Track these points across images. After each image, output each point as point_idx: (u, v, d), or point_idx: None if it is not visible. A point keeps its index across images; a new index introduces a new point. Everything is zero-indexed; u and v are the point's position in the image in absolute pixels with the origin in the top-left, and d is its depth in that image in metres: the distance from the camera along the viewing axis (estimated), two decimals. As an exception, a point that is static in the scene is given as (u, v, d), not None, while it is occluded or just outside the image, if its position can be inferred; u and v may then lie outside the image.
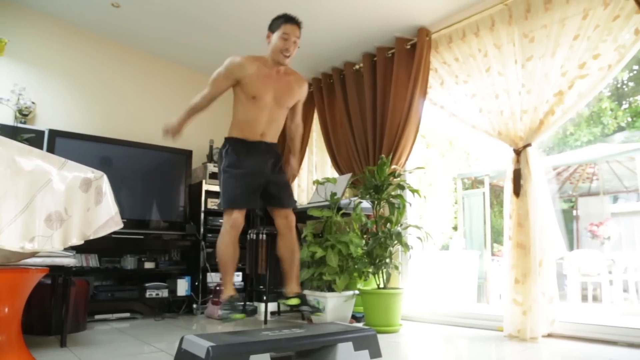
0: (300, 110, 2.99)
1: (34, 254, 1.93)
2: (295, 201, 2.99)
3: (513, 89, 3.18)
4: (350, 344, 2.30)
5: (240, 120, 2.71)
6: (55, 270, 2.66)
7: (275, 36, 2.64)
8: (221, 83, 2.70)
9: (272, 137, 2.78)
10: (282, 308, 4.18)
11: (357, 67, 4.34)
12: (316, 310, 2.70)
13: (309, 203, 4.20)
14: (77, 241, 1.63)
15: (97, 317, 3.79)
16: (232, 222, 2.58)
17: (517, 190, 3.07)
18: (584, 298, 5.88)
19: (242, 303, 2.66)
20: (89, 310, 3.53)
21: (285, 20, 2.65)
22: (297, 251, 2.80)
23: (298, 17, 2.70)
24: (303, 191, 4.90)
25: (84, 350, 2.60)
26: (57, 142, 3.79)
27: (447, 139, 10.07)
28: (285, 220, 2.76)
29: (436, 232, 8.72)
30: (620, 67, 2.78)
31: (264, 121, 2.70)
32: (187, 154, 4.56)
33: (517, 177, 3.08)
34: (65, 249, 2.64)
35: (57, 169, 1.61)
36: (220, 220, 4.35)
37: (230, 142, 2.72)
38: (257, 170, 2.66)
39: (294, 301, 2.67)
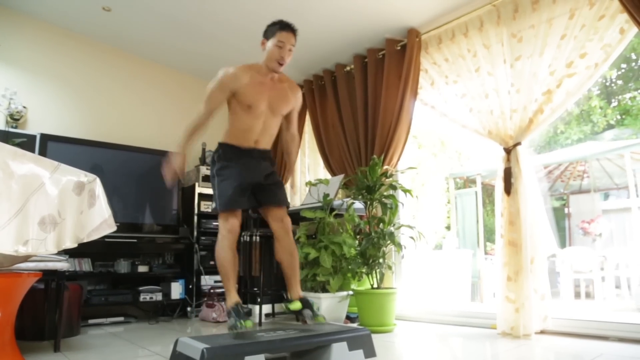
0: (295, 119, 2.93)
1: (27, 258, 1.93)
2: (289, 202, 2.96)
3: (502, 88, 3.21)
4: (344, 344, 2.31)
5: (235, 128, 2.68)
6: (48, 275, 2.65)
7: (270, 44, 2.59)
8: (217, 97, 2.66)
9: (266, 144, 2.75)
10: (277, 310, 4.19)
11: (348, 68, 4.36)
12: (318, 315, 2.52)
13: (302, 205, 4.21)
14: (70, 244, 1.63)
15: (90, 321, 3.78)
16: (229, 227, 2.52)
17: (508, 188, 3.11)
18: (577, 295, 5.93)
19: (245, 307, 2.53)
20: (82, 314, 3.51)
21: (281, 27, 2.59)
22: (297, 254, 2.72)
23: (293, 23, 2.65)
24: (296, 193, 4.91)
25: (78, 355, 2.59)
26: (49, 146, 3.78)
27: (439, 139, 10.12)
28: (281, 224, 2.68)
29: (429, 232, 8.76)
30: (606, 65, 2.82)
31: (259, 129, 2.67)
32: (180, 157, 4.54)
33: (508, 175, 3.11)
34: (58, 253, 2.64)
35: (50, 172, 1.62)
36: (214, 223, 4.41)
37: (223, 147, 2.70)
38: (250, 173, 2.63)
39: (297, 305, 2.55)
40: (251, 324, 2.27)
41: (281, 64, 2.61)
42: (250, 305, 3.96)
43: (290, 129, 2.93)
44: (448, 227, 9.35)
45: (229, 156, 2.65)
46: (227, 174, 2.62)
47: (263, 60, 2.64)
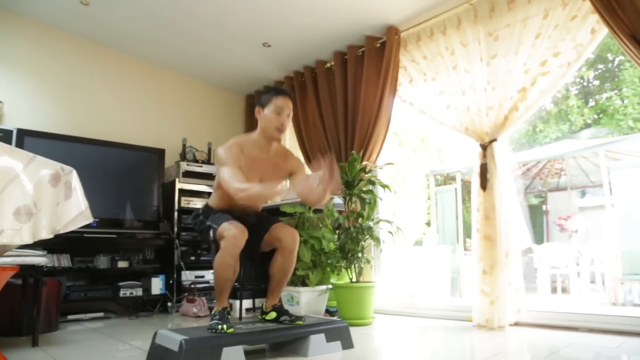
0: (306, 177, 2.64)
1: (3, 251, 1.93)
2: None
3: (479, 85, 3.27)
4: (322, 336, 2.35)
5: (223, 198, 2.50)
6: (26, 270, 2.64)
7: (268, 111, 2.46)
8: (233, 160, 2.40)
9: (258, 207, 2.67)
10: (257, 305, 4.21)
11: (328, 65, 4.40)
12: (296, 319, 2.45)
13: (282, 200, 4.23)
14: (46, 235, 1.64)
15: (70, 317, 3.76)
16: (233, 239, 2.25)
17: (484, 184, 3.17)
18: (554, 290, 6.06)
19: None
20: (61, 310, 3.49)
21: (277, 93, 2.50)
22: (290, 273, 2.55)
23: (287, 89, 2.60)
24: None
25: (57, 349, 2.59)
26: (25, 141, 3.74)
27: (419, 137, 10.21)
28: (290, 232, 2.50)
29: (409, 228, 8.84)
30: (578, 64, 2.90)
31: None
32: (160, 153, 4.54)
33: (484, 171, 3.18)
34: (36, 249, 2.63)
35: (25, 163, 1.62)
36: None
37: (212, 209, 2.55)
38: (242, 220, 2.44)
39: (272, 315, 2.49)
40: (232, 331, 2.16)
41: (281, 131, 2.48)
42: (231, 300, 3.97)
43: (306, 188, 2.54)
44: (428, 224, 9.46)
45: (216, 211, 2.52)
46: (219, 213, 2.48)
47: (259, 129, 2.52)
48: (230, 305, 2.43)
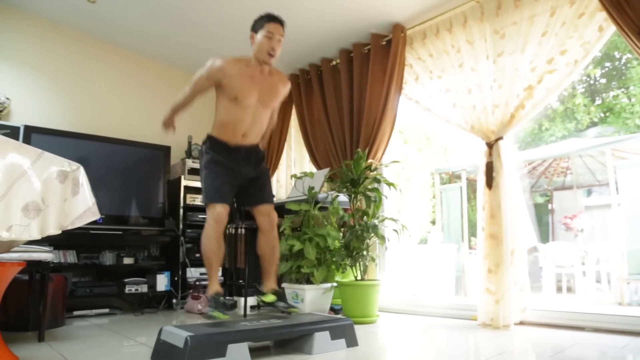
0: (278, 107, 2.98)
1: (11, 247, 1.94)
2: (274, 195, 3.00)
3: (485, 83, 3.26)
4: (327, 333, 2.35)
5: (223, 120, 2.68)
6: (32, 266, 2.65)
7: (260, 36, 2.60)
8: (202, 84, 2.69)
9: (254, 137, 2.75)
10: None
11: (334, 63, 4.39)
12: (292, 307, 2.62)
13: (287, 197, 4.24)
14: (54, 231, 1.65)
15: (75, 313, 3.78)
16: (216, 217, 2.53)
17: (490, 182, 3.16)
18: (559, 289, 6.03)
19: (230, 299, 2.58)
20: (67, 306, 3.51)
21: (269, 19, 2.62)
22: (278, 249, 2.79)
23: (280, 15, 2.68)
24: (282, 186, 4.94)
25: (62, 345, 2.60)
26: (32, 138, 3.76)
27: (425, 135, 10.20)
28: (267, 218, 2.74)
29: (414, 226, 8.83)
30: (585, 62, 2.88)
31: (248, 122, 2.66)
32: (166, 150, 4.55)
33: (490, 169, 3.17)
34: (43, 245, 2.65)
35: (33, 160, 1.63)
36: (200, 216, 4.42)
37: (212, 140, 2.70)
38: (237, 174, 2.65)
39: (271, 298, 2.62)
40: (227, 317, 2.31)
41: (272, 55, 2.62)
42: (235, 297, 3.99)
43: (272, 116, 2.94)
44: (433, 222, 9.44)
45: (217, 150, 2.65)
46: (215, 170, 2.63)
47: (253, 53, 2.66)
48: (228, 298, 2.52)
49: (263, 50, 2.60)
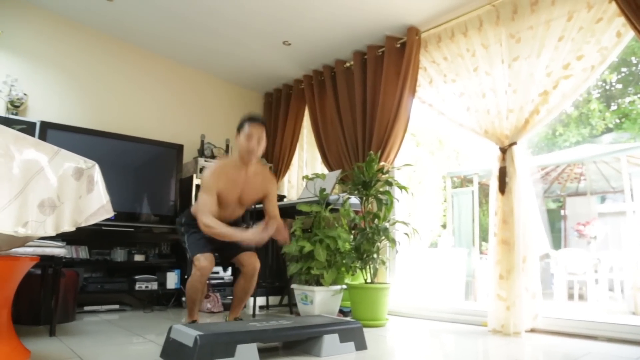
0: (273, 203, 2.97)
1: (25, 242, 1.96)
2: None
3: (500, 88, 3.24)
4: (336, 336, 2.35)
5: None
6: (45, 261, 2.68)
7: (241, 136, 2.75)
8: (210, 201, 2.70)
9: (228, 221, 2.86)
10: (271, 302, 4.23)
11: (347, 64, 4.39)
12: None
13: (298, 198, 4.24)
14: (68, 227, 1.66)
15: (86, 308, 3.82)
16: (201, 270, 2.67)
17: (503, 187, 3.14)
18: (571, 297, 5.96)
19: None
20: (78, 301, 3.55)
21: (249, 120, 2.77)
22: (252, 291, 2.98)
23: (259, 115, 2.87)
24: (293, 187, 4.95)
25: (73, 340, 2.63)
26: (48, 134, 3.80)
27: (437, 138, 10.15)
28: (252, 267, 2.85)
29: (425, 230, 8.79)
30: (602, 68, 2.84)
31: (225, 216, 2.82)
32: (178, 149, 4.58)
33: (503, 174, 3.14)
34: (56, 240, 2.67)
35: (50, 157, 1.64)
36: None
37: (191, 217, 2.87)
38: (215, 241, 2.74)
39: None
40: None
41: (251, 154, 2.75)
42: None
43: (270, 212, 2.94)
44: (444, 226, 9.40)
45: (195, 225, 2.76)
46: (196, 232, 2.78)
47: (236, 153, 2.83)
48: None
49: (243, 150, 2.75)
